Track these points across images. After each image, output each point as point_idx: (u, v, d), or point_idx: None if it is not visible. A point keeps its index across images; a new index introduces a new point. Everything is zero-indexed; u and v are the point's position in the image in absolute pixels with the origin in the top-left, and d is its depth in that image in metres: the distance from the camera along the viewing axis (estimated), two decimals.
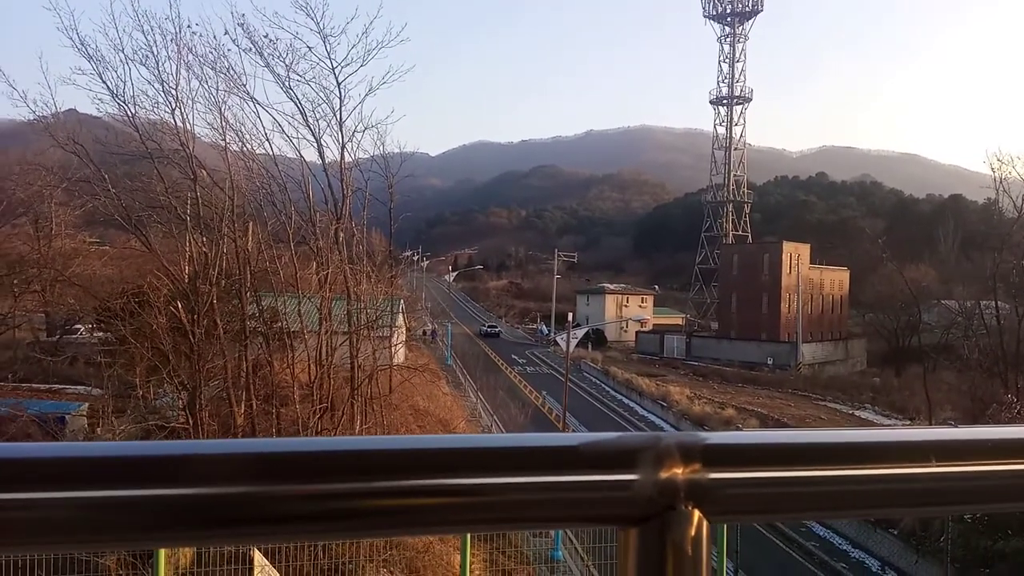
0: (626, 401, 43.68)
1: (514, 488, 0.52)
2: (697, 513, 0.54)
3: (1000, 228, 39.24)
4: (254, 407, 15.57)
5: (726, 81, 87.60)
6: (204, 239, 16.37)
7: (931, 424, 31.20)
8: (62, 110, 18.56)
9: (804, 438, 0.61)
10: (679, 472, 0.53)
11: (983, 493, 0.62)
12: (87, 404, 19.35)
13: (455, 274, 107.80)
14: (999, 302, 35.33)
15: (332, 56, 17.49)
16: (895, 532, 20.34)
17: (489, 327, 79.89)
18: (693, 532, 0.54)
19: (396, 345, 25.04)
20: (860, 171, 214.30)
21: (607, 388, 47.99)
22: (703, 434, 0.57)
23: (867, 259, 69.26)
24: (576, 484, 0.53)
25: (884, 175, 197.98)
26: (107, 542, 0.51)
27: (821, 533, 22.11)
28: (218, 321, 15.43)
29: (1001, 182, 33.81)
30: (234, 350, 16.05)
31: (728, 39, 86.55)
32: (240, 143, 17.49)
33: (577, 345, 39.58)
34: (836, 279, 72.98)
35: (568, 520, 0.55)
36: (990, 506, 0.63)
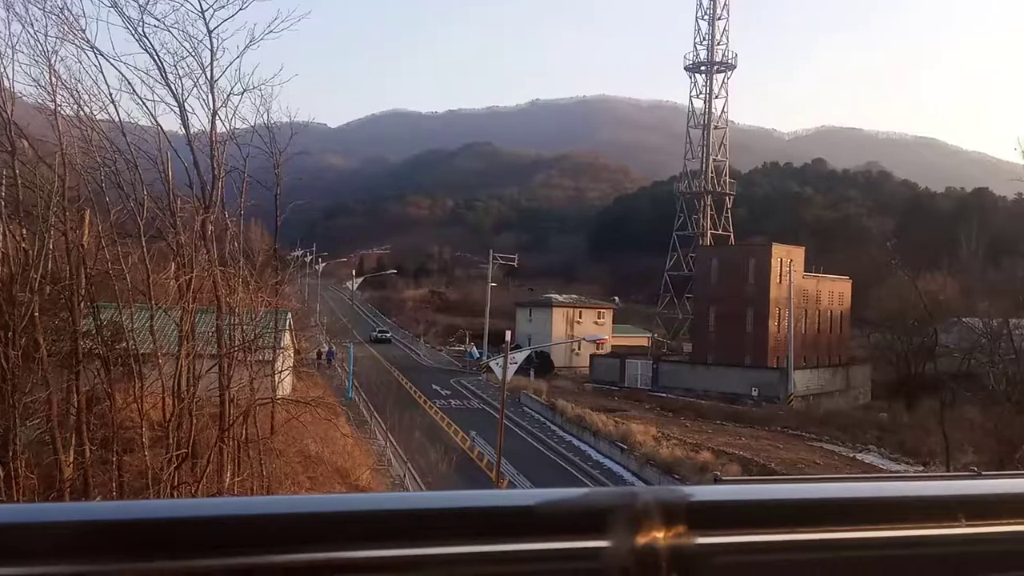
0: (577, 443, 44.06)
1: (451, 560, 0.50)
2: None
3: None
4: (87, 455, 15.15)
5: (705, 43, 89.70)
6: (24, 231, 15.89)
7: (950, 470, 32.57)
8: None
9: (810, 492, 0.61)
10: (660, 536, 0.53)
11: (1022, 557, 0.61)
12: None
13: (360, 280, 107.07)
14: None
15: None
16: None
17: (380, 331, 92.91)
18: None
19: (281, 372, 24.76)
20: (866, 158, 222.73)
21: (553, 427, 48.32)
22: (687, 488, 0.57)
23: (873, 266, 71.79)
24: (532, 554, 0.52)
25: (895, 163, 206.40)
26: None
27: None
28: (40, 340, 14.97)
29: None
30: (62, 379, 15.62)
31: None
32: (76, 106, 17.10)
33: (516, 372, 39.80)
34: (836, 291, 75.39)
35: None
36: None
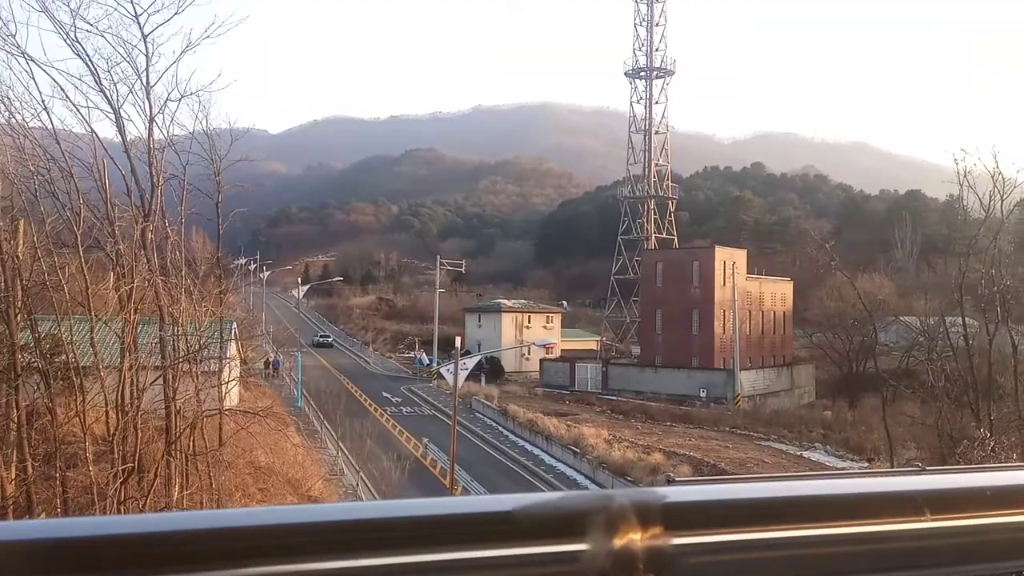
0: (530, 448, 44.06)
1: (432, 568, 0.50)
2: None
3: (965, 230, 41.98)
4: (29, 471, 14.64)
5: (644, 49, 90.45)
6: None
7: (893, 466, 33.19)
8: None
9: (781, 491, 0.62)
10: (636, 538, 0.54)
11: (986, 550, 0.63)
12: None
13: (306, 288, 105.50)
14: (967, 318, 37.90)
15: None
16: None
17: (322, 336, 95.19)
18: None
19: (228, 383, 24.25)
20: (802, 162, 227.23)
21: (505, 432, 48.26)
22: (662, 490, 0.57)
23: (813, 267, 73.11)
24: (510, 559, 0.52)
25: (830, 167, 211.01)
26: None
27: None
28: None
29: (966, 175, 35.99)
30: (0, 393, 15.00)
31: None
32: (7, 113, 16.62)
33: (467, 378, 39.58)
34: (778, 292, 76.66)
35: None
36: (995, 565, 0.65)
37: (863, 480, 0.64)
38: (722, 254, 69.11)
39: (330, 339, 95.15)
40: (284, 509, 0.49)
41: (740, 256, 70.78)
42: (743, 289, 67.17)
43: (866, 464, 38.79)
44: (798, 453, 44.22)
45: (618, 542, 0.53)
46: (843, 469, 34.89)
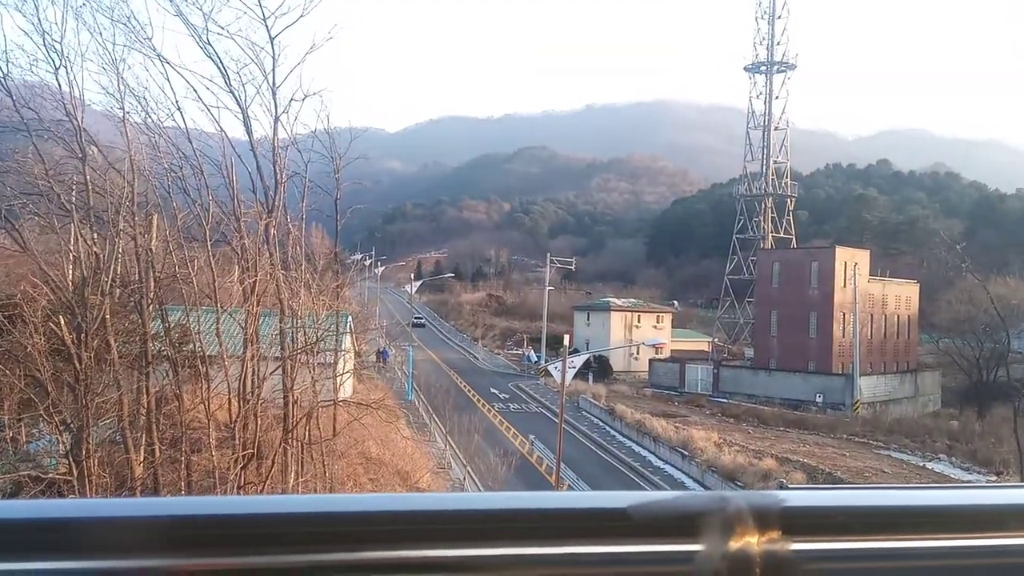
0: (637, 449, 43.75)
1: (550, 561, 0.49)
2: None
3: None
4: (157, 454, 15.39)
5: (764, 43, 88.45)
6: (95, 236, 16.21)
7: None
8: None
9: (904, 499, 0.60)
10: (753, 542, 0.52)
11: None
12: None
13: (419, 284, 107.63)
14: None
15: (263, 3, 17.53)
16: None
17: (416, 318, 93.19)
18: None
19: (342, 375, 24.96)
20: (931, 159, 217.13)
21: (612, 432, 48.04)
22: (780, 493, 0.56)
23: (942, 270, 70.08)
24: (624, 556, 0.51)
25: (962, 164, 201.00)
26: None
27: None
28: (111, 342, 15.25)
29: None
30: (132, 380, 15.88)
31: None
32: (143, 113, 17.45)
33: (575, 376, 39.57)
34: (903, 295, 73.71)
35: None
36: None
37: (989, 492, 0.60)
38: (843, 254, 67.03)
39: (423, 320, 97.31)
40: (404, 497, 0.50)
41: (862, 257, 68.46)
42: (865, 291, 64.92)
43: (994, 478, 36.91)
44: (921, 464, 42.45)
45: (734, 544, 0.52)
46: (970, 483, 33.31)
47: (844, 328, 64.31)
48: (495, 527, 0.50)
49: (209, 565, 0.45)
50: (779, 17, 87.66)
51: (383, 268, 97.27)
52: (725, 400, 61.85)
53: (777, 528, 0.52)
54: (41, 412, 14.91)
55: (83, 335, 14.79)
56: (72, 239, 16.52)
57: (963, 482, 34.39)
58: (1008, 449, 39.84)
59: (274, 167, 19.29)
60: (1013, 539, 0.56)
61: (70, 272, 16.44)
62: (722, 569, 0.51)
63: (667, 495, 0.55)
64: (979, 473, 40.59)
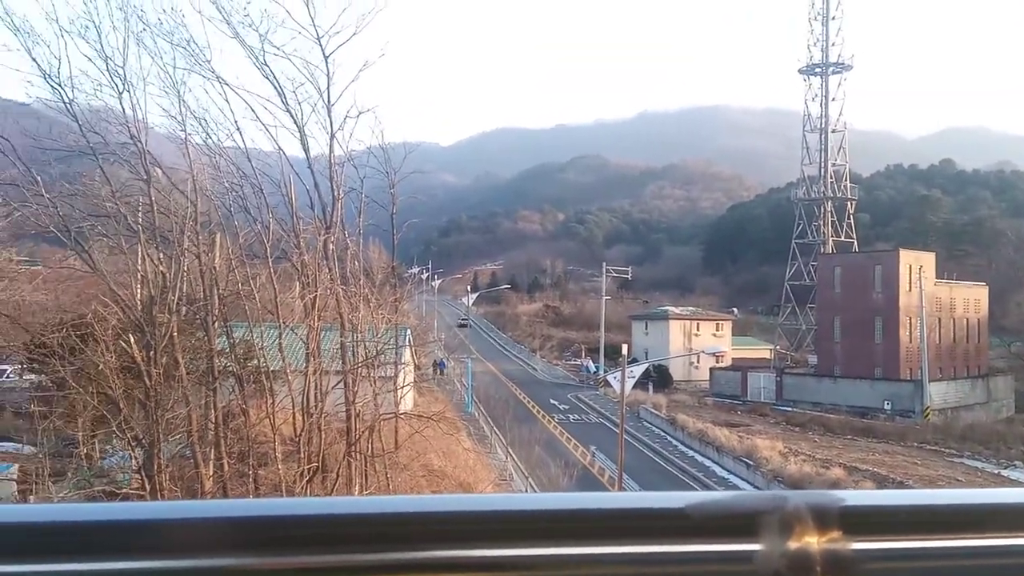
0: (700, 459, 43.26)
1: (610, 560, 0.50)
2: None
3: None
4: (225, 468, 15.66)
5: (819, 44, 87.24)
6: (161, 255, 16.58)
7: None
8: None
9: (973, 496, 0.60)
10: (813, 542, 0.52)
11: None
12: (16, 465, 19.59)
13: (475, 296, 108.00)
14: None
15: (317, 23, 17.77)
16: None
17: (463, 319, 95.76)
18: None
19: (403, 387, 25.12)
20: (995, 158, 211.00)
21: (674, 442, 47.57)
22: (839, 493, 0.56)
23: (1011, 271, 68.13)
24: (683, 556, 0.51)
25: None
26: None
27: None
28: (179, 359, 15.58)
29: None
30: (200, 395, 16.19)
31: None
32: (204, 134, 17.79)
33: (634, 386, 39.35)
34: (971, 298, 71.83)
35: None
36: None
37: None
38: (907, 257, 65.65)
39: (468, 321, 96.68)
40: (471, 498, 0.53)
41: (927, 259, 66.96)
42: (931, 294, 63.43)
43: None
44: (996, 471, 41.19)
45: (793, 544, 0.52)
46: None
47: (911, 333, 62.91)
48: (558, 527, 0.50)
49: (283, 565, 0.47)
50: (833, 18, 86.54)
51: (440, 281, 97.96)
52: (789, 408, 60.83)
53: (837, 527, 0.52)
54: (114, 428, 15.29)
55: (152, 352, 15.13)
56: (139, 259, 16.91)
57: None
58: None
59: (331, 184, 19.49)
60: None
61: (138, 291, 16.84)
62: (782, 568, 0.51)
63: (725, 495, 0.55)
64: None
